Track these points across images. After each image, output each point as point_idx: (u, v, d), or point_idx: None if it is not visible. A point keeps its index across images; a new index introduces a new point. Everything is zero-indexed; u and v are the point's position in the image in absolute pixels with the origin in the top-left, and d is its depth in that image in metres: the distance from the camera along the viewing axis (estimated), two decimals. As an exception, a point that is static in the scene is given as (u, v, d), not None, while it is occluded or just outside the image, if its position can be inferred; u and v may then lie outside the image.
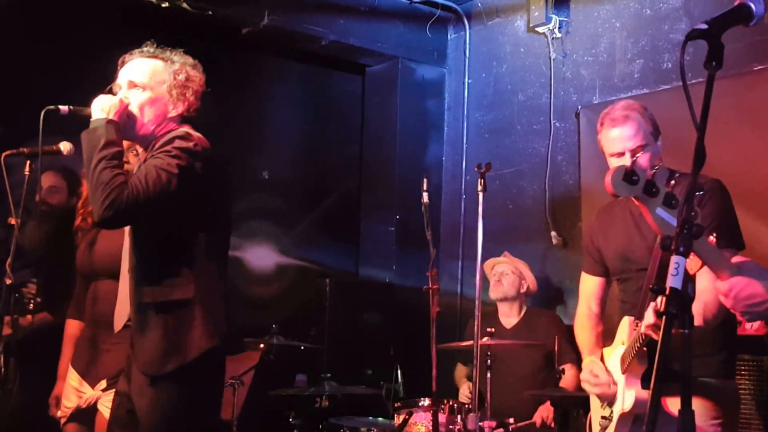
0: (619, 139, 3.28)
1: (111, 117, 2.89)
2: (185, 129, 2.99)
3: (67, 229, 4.48)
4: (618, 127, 3.29)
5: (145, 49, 3.07)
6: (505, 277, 5.35)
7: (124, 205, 2.75)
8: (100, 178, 2.77)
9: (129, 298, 3.04)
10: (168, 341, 2.85)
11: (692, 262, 2.30)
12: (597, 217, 3.57)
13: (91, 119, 2.90)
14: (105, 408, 3.53)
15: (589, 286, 3.60)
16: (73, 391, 3.73)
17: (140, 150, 3.13)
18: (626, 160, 3.24)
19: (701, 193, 3.14)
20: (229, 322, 3.01)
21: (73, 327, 3.95)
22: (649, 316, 2.91)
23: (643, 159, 3.23)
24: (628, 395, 3.16)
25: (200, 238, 2.95)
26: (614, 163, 3.27)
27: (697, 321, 2.91)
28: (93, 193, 2.79)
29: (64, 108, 2.99)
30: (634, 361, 3.12)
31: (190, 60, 3.11)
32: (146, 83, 3.00)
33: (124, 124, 2.93)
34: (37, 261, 4.32)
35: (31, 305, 4.13)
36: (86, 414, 3.68)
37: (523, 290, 5.37)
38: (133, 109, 2.97)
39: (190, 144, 2.89)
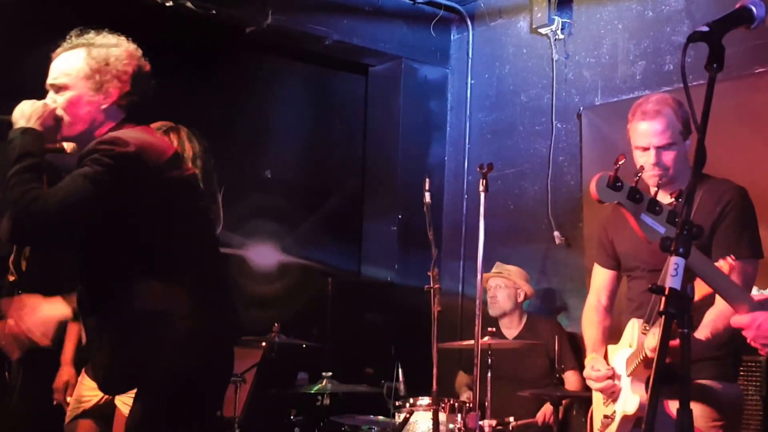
0: (646, 134, 3.23)
1: (31, 124, 2.65)
2: (114, 134, 2.69)
3: None
4: (647, 121, 3.24)
5: (68, 40, 2.82)
6: (499, 290, 5.32)
7: (31, 221, 2.51)
8: (11, 195, 2.53)
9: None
10: (125, 358, 2.68)
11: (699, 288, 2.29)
12: (613, 210, 3.47)
13: (12, 128, 2.68)
14: (123, 405, 3.46)
15: (600, 278, 3.59)
16: (83, 386, 3.71)
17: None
18: (650, 156, 3.20)
19: (726, 200, 3.14)
20: (210, 343, 2.79)
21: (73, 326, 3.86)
22: (651, 341, 2.93)
23: (668, 157, 3.20)
24: (632, 399, 3.16)
25: (154, 246, 2.70)
26: (638, 156, 3.24)
27: (706, 332, 2.95)
28: (6, 213, 2.54)
29: None
30: (641, 365, 3.11)
31: (112, 40, 2.81)
32: (66, 82, 2.75)
33: (51, 129, 2.71)
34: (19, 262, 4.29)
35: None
36: (103, 410, 3.64)
37: (519, 299, 5.35)
38: (60, 111, 2.74)
39: (118, 148, 2.61)
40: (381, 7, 6.41)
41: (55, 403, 3.85)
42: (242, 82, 6.32)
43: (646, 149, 3.23)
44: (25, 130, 2.65)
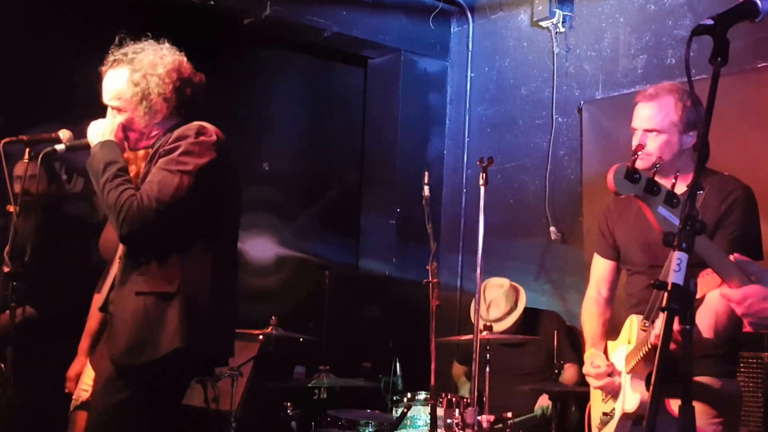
0: (637, 115, 3.25)
1: (107, 138, 2.90)
2: (198, 123, 2.93)
3: (52, 219, 4.46)
4: (643, 103, 3.25)
5: (111, 58, 3.02)
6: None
7: (138, 218, 2.73)
8: (108, 202, 2.79)
9: (114, 283, 2.99)
10: (141, 333, 2.79)
11: (710, 280, 2.28)
12: (615, 201, 3.44)
13: (91, 147, 2.93)
14: None
15: (600, 269, 3.54)
16: (85, 376, 3.74)
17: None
18: (636, 137, 3.22)
19: (732, 199, 3.11)
20: (223, 327, 2.94)
21: (97, 301, 3.87)
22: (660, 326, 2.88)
23: (653, 143, 3.17)
24: (632, 397, 3.13)
25: (200, 231, 2.89)
26: (633, 139, 3.24)
27: (708, 333, 2.91)
28: (110, 218, 2.82)
29: (60, 147, 3.03)
30: (641, 362, 3.07)
31: (150, 56, 2.98)
32: (120, 105, 2.98)
33: (122, 141, 2.96)
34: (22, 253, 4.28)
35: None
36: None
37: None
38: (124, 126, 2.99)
39: (205, 138, 2.85)
40: (381, -1, 6.39)
41: (66, 391, 3.95)
42: (240, 73, 6.28)
43: (635, 130, 3.24)
44: (103, 143, 2.90)
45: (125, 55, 2.98)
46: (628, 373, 3.18)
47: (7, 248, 3.12)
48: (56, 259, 4.43)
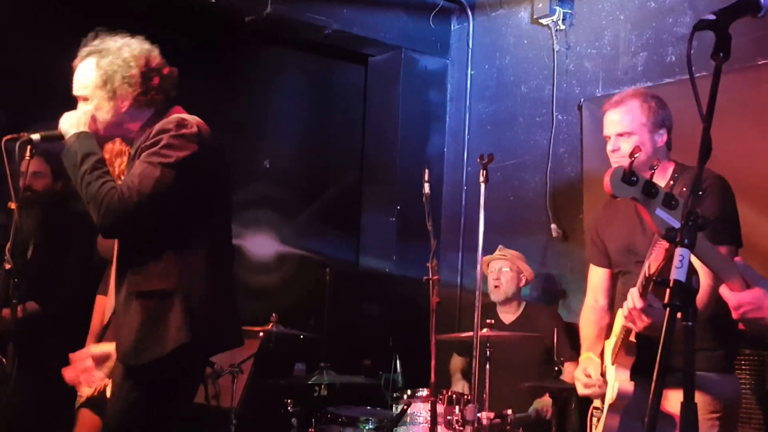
0: (607, 123, 3.34)
1: (82, 129, 2.87)
2: (178, 116, 2.90)
3: (55, 216, 4.46)
4: (610, 110, 3.33)
5: (83, 51, 3.00)
6: (503, 274, 5.29)
7: (119, 211, 2.71)
8: (88, 194, 2.76)
9: (114, 285, 2.99)
10: (145, 331, 2.78)
11: (659, 252, 2.30)
12: (603, 208, 3.55)
13: (65, 139, 2.89)
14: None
15: (596, 277, 3.58)
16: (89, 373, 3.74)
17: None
18: (610, 143, 3.30)
19: (705, 186, 3.13)
20: (224, 318, 2.93)
21: (100, 302, 3.91)
22: (627, 304, 2.93)
23: (626, 146, 3.24)
24: (613, 386, 3.18)
25: (191, 225, 2.87)
26: (608, 146, 3.32)
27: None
28: (89, 210, 2.78)
29: (36, 137, 2.97)
30: (621, 352, 3.13)
31: (118, 43, 2.96)
32: (85, 94, 2.95)
33: (97, 131, 2.92)
34: (24, 250, 4.28)
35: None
36: (99, 401, 3.66)
37: (521, 284, 5.34)
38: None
39: (187, 130, 2.82)
40: (381, -3, 6.39)
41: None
42: (241, 71, 6.28)
43: (608, 138, 3.32)
44: (79, 134, 2.86)
45: (94, 45, 2.97)
46: (612, 364, 3.21)
47: (8, 245, 3.11)
48: (58, 256, 4.43)
